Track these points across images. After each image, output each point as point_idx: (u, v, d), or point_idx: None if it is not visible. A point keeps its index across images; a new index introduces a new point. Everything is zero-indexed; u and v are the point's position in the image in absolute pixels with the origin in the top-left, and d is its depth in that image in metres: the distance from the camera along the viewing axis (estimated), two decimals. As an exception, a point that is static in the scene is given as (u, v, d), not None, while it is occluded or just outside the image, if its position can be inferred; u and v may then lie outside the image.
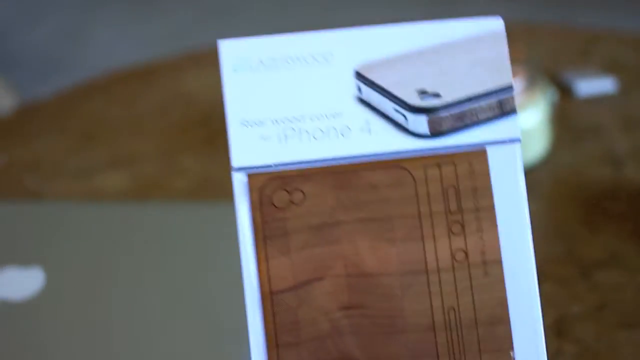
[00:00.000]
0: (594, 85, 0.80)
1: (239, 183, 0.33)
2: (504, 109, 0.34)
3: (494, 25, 0.35)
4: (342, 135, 0.34)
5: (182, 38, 2.48)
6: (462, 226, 0.33)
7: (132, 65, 0.91)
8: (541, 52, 0.90)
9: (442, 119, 0.34)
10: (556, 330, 0.50)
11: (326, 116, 0.34)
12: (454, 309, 0.33)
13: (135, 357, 0.48)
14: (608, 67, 0.84)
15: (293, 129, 0.34)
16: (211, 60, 0.81)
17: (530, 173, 0.65)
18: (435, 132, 0.34)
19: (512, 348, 0.33)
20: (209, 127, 0.74)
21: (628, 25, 2.51)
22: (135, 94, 0.83)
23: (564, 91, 0.80)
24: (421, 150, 0.34)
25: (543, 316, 0.50)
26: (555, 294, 0.52)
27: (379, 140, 0.34)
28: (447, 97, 0.34)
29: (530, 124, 0.66)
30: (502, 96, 0.34)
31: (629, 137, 0.71)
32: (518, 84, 0.65)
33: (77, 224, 0.57)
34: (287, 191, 0.33)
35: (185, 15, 2.75)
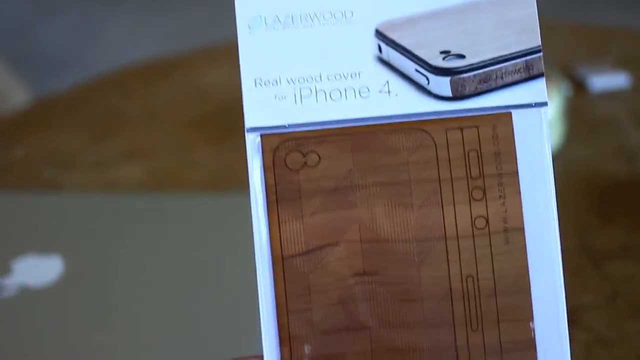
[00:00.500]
0: (607, 80, 0.80)
1: (252, 144, 0.32)
2: (531, 71, 0.32)
3: None
4: (361, 95, 0.32)
5: (197, 34, 2.47)
6: (484, 192, 0.32)
7: (148, 60, 0.92)
8: (556, 47, 0.89)
9: (466, 80, 0.32)
10: (568, 319, 0.49)
11: (344, 76, 0.32)
12: (472, 277, 0.32)
13: (153, 343, 0.48)
14: (622, 63, 0.84)
15: (309, 88, 0.32)
16: (226, 56, 0.81)
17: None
18: (458, 95, 0.32)
19: (532, 318, 0.32)
20: (224, 121, 0.74)
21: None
22: (151, 89, 0.84)
23: (578, 86, 0.80)
24: (443, 112, 0.32)
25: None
26: (568, 284, 0.52)
27: (399, 101, 0.32)
28: (472, 58, 0.32)
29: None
30: (529, 58, 0.32)
31: None
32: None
33: (94, 214, 0.58)
34: (301, 153, 0.32)
35: (200, 12, 2.75)
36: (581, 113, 0.75)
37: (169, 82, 0.85)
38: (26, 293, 0.50)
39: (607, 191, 0.62)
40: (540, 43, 0.32)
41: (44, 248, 0.54)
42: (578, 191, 0.62)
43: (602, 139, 0.71)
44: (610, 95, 0.78)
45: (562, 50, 0.90)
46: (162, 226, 0.57)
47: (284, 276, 0.32)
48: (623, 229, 0.57)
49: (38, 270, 0.52)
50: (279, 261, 0.32)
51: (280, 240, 0.32)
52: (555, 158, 0.64)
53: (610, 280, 0.52)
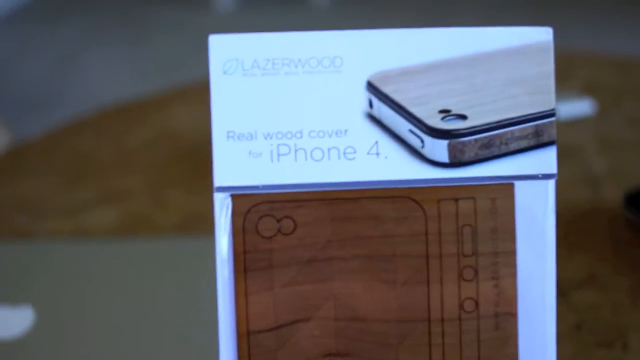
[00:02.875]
0: (572, 108, 0.79)
1: (221, 205, 0.28)
2: (541, 138, 0.29)
3: (540, 36, 0.29)
4: (346, 157, 0.29)
5: (172, 72, 2.53)
6: (476, 272, 0.29)
7: (121, 101, 0.91)
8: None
9: (466, 145, 0.28)
10: None
11: (328, 133, 0.29)
12: None
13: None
14: (586, 89, 0.83)
15: (288, 145, 0.29)
16: (198, 95, 0.83)
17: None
18: (456, 161, 0.29)
19: None
20: (196, 161, 0.74)
21: (607, 44, 2.55)
22: (123, 130, 0.83)
23: (543, 113, 0.79)
24: (437, 180, 0.29)
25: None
26: None
27: (388, 165, 0.29)
28: (475, 119, 0.28)
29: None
30: (540, 123, 0.29)
31: (606, 157, 0.71)
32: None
33: (66, 263, 0.58)
34: (275, 218, 0.29)
35: (175, 50, 2.79)
36: (547, 141, 0.74)
37: (141, 123, 0.84)
38: None
39: (572, 219, 0.62)
40: (554, 106, 0.29)
41: (14, 299, 0.53)
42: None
43: (567, 166, 0.69)
44: (574, 123, 0.78)
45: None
46: (133, 273, 0.56)
47: (248, 353, 0.29)
48: (588, 256, 0.56)
49: (8, 321, 0.51)
50: (245, 336, 0.29)
51: (247, 314, 0.29)
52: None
53: (575, 310, 0.51)
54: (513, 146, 0.29)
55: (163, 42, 2.92)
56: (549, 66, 0.29)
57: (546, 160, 0.29)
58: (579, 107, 0.79)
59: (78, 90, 2.51)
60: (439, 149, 0.28)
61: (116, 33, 3.09)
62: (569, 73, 0.90)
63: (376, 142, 0.29)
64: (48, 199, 0.69)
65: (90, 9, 3.38)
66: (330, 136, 0.29)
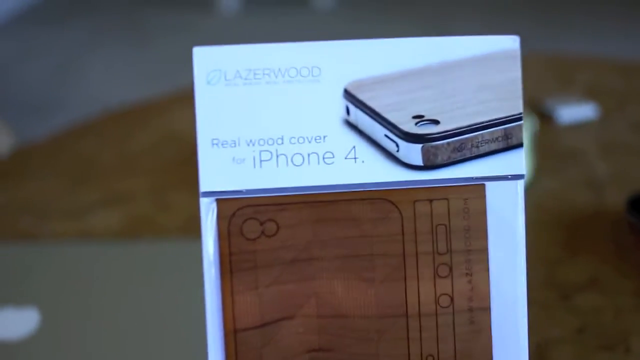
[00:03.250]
0: (575, 112, 0.79)
1: (207, 209, 0.30)
2: (509, 141, 0.30)
3: (507, 44, 0.30)
4: (325, 161, 0.30)
5: (175, 75, 2.53)
6: (450, 269, 0.30)
7: (125, 104, 0.93)
8: (524, 80, 0.88)
9: (439, 149, 0.30)
10: (537, 354, 0.49)
11: (308, 139, 0.30)
12: (432, 357, 0.31)
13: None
14: (590, 93, 0.83)
15: (270, 152, 0.30)
16: None
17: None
18: (430, 164, 0.30)
19: None
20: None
21: (612, 49, 2.53)
22: (127, 134, 0.84)
23: (546, 118, 0.79)
24: (412, 182, 0.30)
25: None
26: (536, 318, 0.51)
27: (365, 169, 0.30)
28: (447, 124, 0.30)
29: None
30: (509, 127, 0.30)
31: (609, 161, 0.71)
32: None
33: (70, 264, 0.58)
34: (259, 221, 0.30)
35: (178, 53, 2.78)
36: (549, 145, 0.74)
37: (145, 127, 0.85)
38: (1, 347, 0.50)
39: (575, 223, 0.62)
40: (522, 110, 0.30)
41: (20, 300, 0.53)
42: (546, 223, 0.62)
43: (570, 170, 0.70)
44: (578, 127, 0.78)
45: (530, 82, 0.88)
46: (136, 275, 0.56)
47: (235, 350, 0.30)
48: (590, 260, 0.57)
49: (13, 322, 0.52)
50: (231, 334, 0.30)
51: (234, 312, 0.30)
52: (525, 191, 0.64)
53: (578, 314, 0.52)
54: (483, 149, 0.30)
55: (167, 45, 2.90)
56: (517, 73, 0.30)
57: (515, 161, 0.30)
58: (582, 112, 0.79)
59: (81, 93, 2.50)
60: (413, 152, 0.30)
61: (120, 36, 3.07)
62: (572, 77, 0.90)
63: (353, 147, 0.30)
64: (52, 201, 0.70)
65: (94, 12, 3.36)
66: (309, 142, 0.30)
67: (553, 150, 0.73)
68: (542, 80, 0.90)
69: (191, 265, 0.54)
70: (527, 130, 0.66)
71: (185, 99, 0.92)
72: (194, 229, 0.64)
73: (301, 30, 2.97)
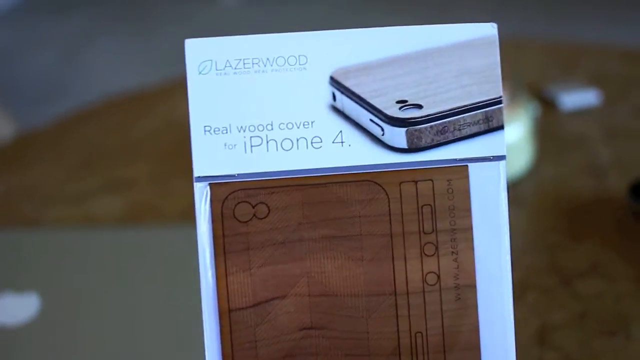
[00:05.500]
0: (577, 98, 0.79)
1: (200, 193, 0.31)
2: (490, 123, 0.31)
3: (486, 31, 0.32)
4: (313, 146, 0.31)
5: (177, 65, 2.51)
6: (436, 248, 0.31)
7: (127, 91, 0.92)
8: (527, 66, 0.89)
9: (422, 132, 0.31)
10: (538, 338, 0.49)
11: (296, 125, 0.31)
12: (421, 333, 0.32)
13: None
14: (593, 80, 0.84)
15: (260, 137, 0.31)
16: None
17: (515, 186, 0.65)
18: (414, 146, 0.31)
19: None
20: None
21: (615, 36, 2.52)
22: (129, 120, 0.84)
23: (549, 104, 0.80)
24: (397, 164, 0.31)
25: (525, 327, 0.49)
26: (538, 303, 0.52)
27: (352, 152, 0.31)
28: (429, 108, 0.31)
29: (513, 139, 0.65)
30: (490, 110, 0.31)
31: (611, 148, 0.71)
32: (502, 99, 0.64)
33: (72, 250, 0.58)
34: (250, 204, 0.31)
35: (180, 43, 2.77)
36: (551, 132, 0.75)
37: (147, 113, 0.85)
38: (2, 332, 0.50)
39: (576, 209, 0.62)
40: (501, 94, 0.31)
41: (20, 286, 0.54)
42: (548, 210, 0.62)
43: (572, 157, 0.70)
44: (580, 113, 0.78)
45: (533, 69, 0.89)
46: (138, 260, 0.57)
47: (230, 329, 0.31)
48: (592, 246, 0.57)
49: (15, 308, 0.52)
50: (226, 313, 0.31)
51: (228, 293, 0.31)
52: (526, 177, 0.65)
53: (579, 299, 0.52)
54: (465, 131, 0.31)
55: (169, 36, 2.89)
56: (495, 57, 0.32)
57: (496, 143, 0.31)
58: (585, 98, 0.80)
59: (83, 83, 2.50)
60: (398, 136, 0.31)
61: (122, 26, 3.06)
62: (576, 64, 0.90)
63: (340, 132, 0.31)
64: (55, 187, 0.71)
65: (95, 1, 3.36)
66: (298, 127, 0.31)
67: (555, 136, 0.74)
68: (545, 67, 0.91)
69: (192, 250, 0.56)
70: (528, 116, 0.67)
71: (186, 85, 0.94)
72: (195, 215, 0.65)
73: (305, 21, 2.97)
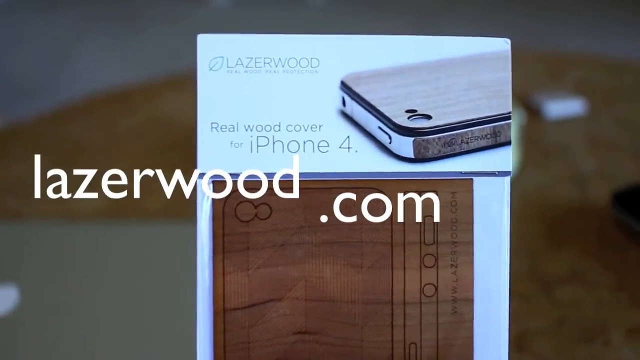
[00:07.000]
0: (563, 107, 0.80)
1: (203, 190, 0.31)
2: (498, 139, 0.31)
3: (499, 46, 0.32)
4: (319, 150, 0.31)
5: (166, 65, 2.53)
6: (436, 259, 0.31)
7: (113, 88, 0.92)
8: (513, 74, 0.89)
9: (430, 142, 0.31)
10: (517, 345, 0.50)
11: (304, 127, 0.31)
12: (415, 344, 0.31)
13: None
14: (578, 89, 0.84)
15: (267, 137, 0.31)
16: (189, 84, 0.83)
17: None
18: (420, 157, 0.31)
19: None
20: (185, 149, 0.75)
21: (601, 47, 2.55)
22: (114, 117, 0.84)
23: (534, 113, 0.80)
24: (402, 174, 0.31)
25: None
26: (517, 309, 0.52)
27: (358, 159, 0.31)
28: (438, 119, 0.31)
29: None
30: (498, 125, 0.31)
31: (595, 157, 0.72)
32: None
33: (53, 244, 0.58)
34: (253, 204, 0.31)
35: (169, 43, 2.77)
36: (536, 140, 0.75)
37: (132, 110, 0.85)
38: None
39: (559, 217, 0.63)
40: (511, 110, 0.31)
41: None
42: (530, 217, 0.63)
43: (556, 165, 0.71)
44: (565, 122, 0.79)
45: (519, 77, 0.89)
46: (119, 256, 0.56)
47: (224, 328, 0.31)
48: (572, 253, 0.58)
49: None
50: (220, 313, 0.31)
51: (224, 292, 0.31)
52: (510, 184, 0.65)
53: (559, 305, 0.53)
54: (473, 145, 0.31)
55: (159, 35, 2.89)
56: (507, 73, 0.32)
57: (503, 158, 0.31)
58: (570, 107, 0.80)
59: (71, 80, 2.50)
60: (405, 145, 0.31)
61: (111, 25, 3.06)
62: (562, 73, 0.91)
63: (348, 137, 0.31)
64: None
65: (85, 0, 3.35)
66: (305, 130, 0.31)
67: (540, 145, 0.75)
68: (532, 75, 0.92)
69: (173, 246, 0.55)
70: (514, 124, 0.67)
71: (173, 83, 0.92)
72: (177, 211, 0.64)
73: (293, 25, 2.97)
